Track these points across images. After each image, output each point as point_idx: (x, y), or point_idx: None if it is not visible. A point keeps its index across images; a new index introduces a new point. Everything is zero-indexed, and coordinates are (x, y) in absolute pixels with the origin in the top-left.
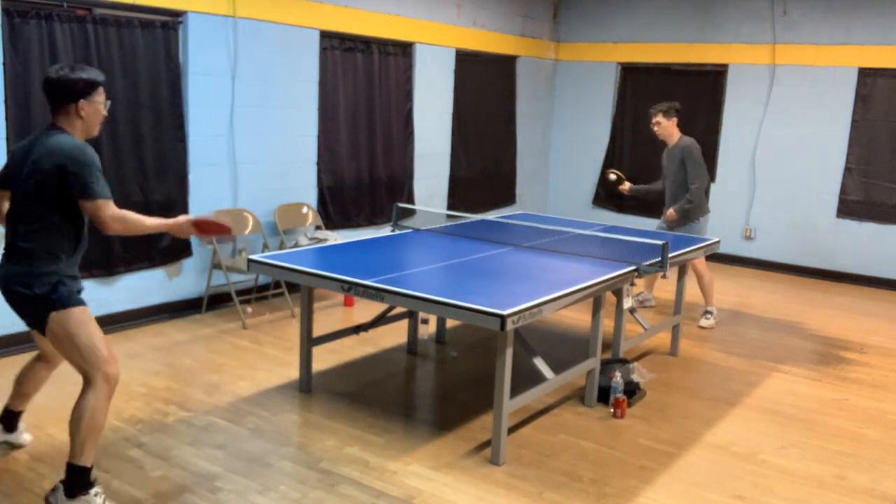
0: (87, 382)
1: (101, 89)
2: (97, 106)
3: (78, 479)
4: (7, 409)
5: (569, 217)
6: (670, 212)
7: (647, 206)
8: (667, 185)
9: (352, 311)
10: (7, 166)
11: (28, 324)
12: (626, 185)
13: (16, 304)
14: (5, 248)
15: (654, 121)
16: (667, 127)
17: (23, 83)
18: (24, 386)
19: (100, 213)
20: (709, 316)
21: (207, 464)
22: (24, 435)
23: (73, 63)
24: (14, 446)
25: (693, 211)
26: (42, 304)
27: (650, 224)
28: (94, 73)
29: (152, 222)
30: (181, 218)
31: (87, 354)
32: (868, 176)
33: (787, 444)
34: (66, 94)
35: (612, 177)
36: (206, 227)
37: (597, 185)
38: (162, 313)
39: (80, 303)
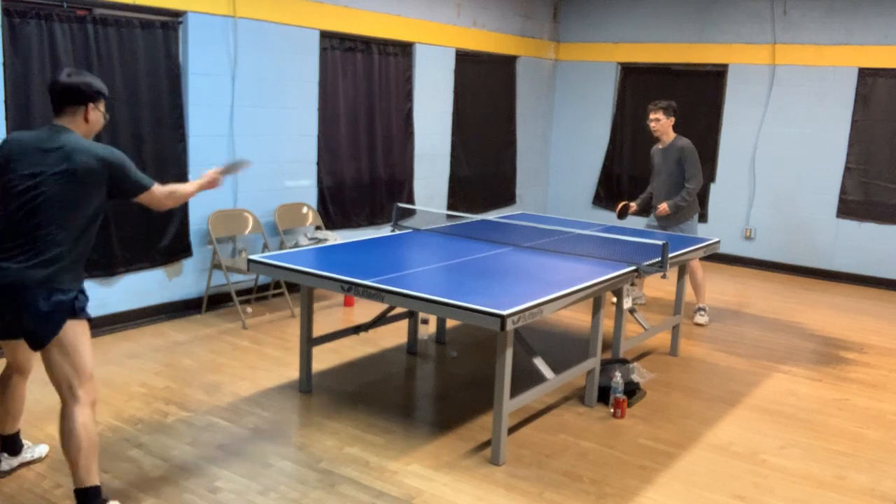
0: (72, 399)
1: (103, 101)
2: (100, 115)
3: (94, 500)
4: (2, 437)
5: (569, 217)
6: (664, 206)
7: (646, 206)
8: (658, 183)
9: (352, 311)
10: (5, 155)
11: (15, 334)
12: (633, 205)
13: (21, 310)
14: (10, 247)
15: (653, 116)
16: (665, 125)
17: (23, 83)
18: (8, 406)
19: (155, 197)
20: (703, 313)
21: (207, 464)
22: (36, 449)
23: (80, 69)
24: (33, 461)
25: (686, 209)
26: (61, 312)
27: None
28: (102, 84)
29: (191, 187)
30: (208, 174)
31: (81, 367)
32: (868, 176)
33: (787, 444)
34: (77, 97)
35: (621, 212)
36: (229, 170)
37: (597, 185)
38: (162, 313)
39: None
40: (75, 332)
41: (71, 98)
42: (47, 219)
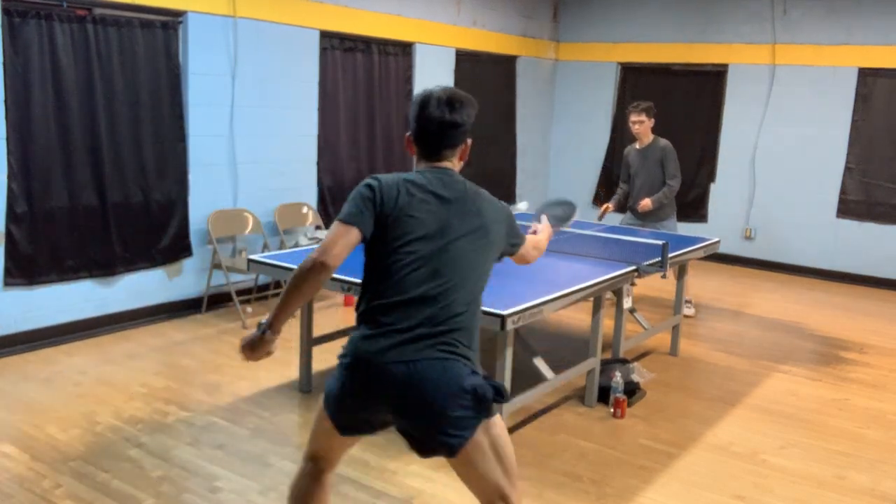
0: None
1: None
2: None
3: None
4: None
5: None
6: (647, 201)
7: (622, 206)
8: (637, 183)
9: (352, 311)
10: (398, 209)
11: (431, 446)
12: (610, 206)
13: (447, 410)
14: (423, 327)
15: (636, 118)
16: (647, 126)
17: (23, 83)
18: None
19: (527, 251)
20: (689, 305)
21: (207, 464)
22: None
23: (442, 88)
24: None
25: (667, 207)
26: (481, 406)
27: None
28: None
29: (544, 240)
30: (546, 228)
31: (511, 468)
32: (868, 176)
33: (787, 444)
34: (462, 135)
35: (602, 215)
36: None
37: (597, 185)
38: (162, 313)
39: None
40: (498, 428)
41: (457, 136)
42: (452, 275)
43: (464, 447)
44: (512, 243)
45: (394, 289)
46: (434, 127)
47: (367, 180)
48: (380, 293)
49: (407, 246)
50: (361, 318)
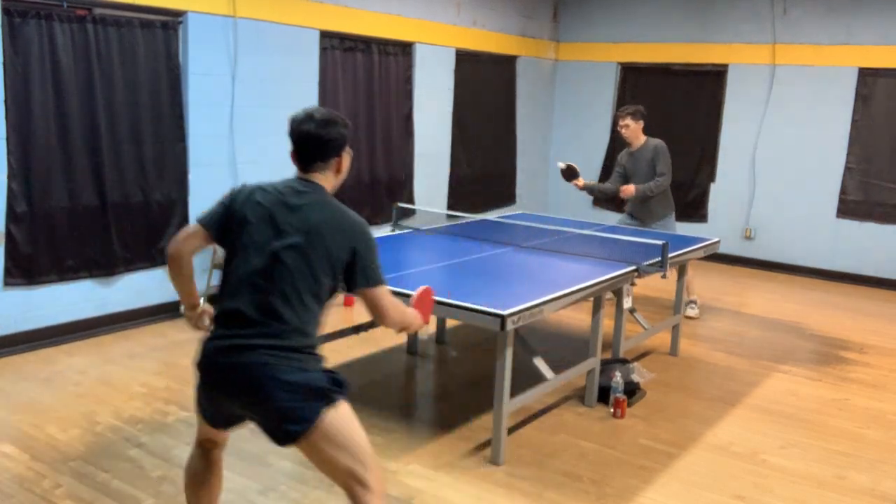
0: (362, 490)
1: None
2: (350, 156)
3: None
4: None
5: (569, 217)
6: (630, 188)
7: (608, 198)
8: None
9: (352, 311)
10: (241, 215)
11: (277, 436)
12: (581, 181)
13: (280, 403)
14: (239, 320)
15: (622, 123)
16: (634, 129)
17: (23, 83)
18: (213, 489)
19: (384, 302)
20: (693, 306)
21: None
22: None
23: (315, 108)
24: None
25: (663, 207)
26: (316, 398)
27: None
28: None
29: (412, 315)
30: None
31: (360, 452)
32: (868, 176)
33: (787, 444)
34: (333, 148)
35: (562, 166)
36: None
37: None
38: (162, 313)
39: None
40: (342, 418)
41: (325, 151)
42: (274, 280)
43: (306, 436)
44: (355, 273)
45: (231, 292)
46: (302, 141)
47: (234, 187)
48: (223, 296)
49: (243, 252)
50: (213, 320)
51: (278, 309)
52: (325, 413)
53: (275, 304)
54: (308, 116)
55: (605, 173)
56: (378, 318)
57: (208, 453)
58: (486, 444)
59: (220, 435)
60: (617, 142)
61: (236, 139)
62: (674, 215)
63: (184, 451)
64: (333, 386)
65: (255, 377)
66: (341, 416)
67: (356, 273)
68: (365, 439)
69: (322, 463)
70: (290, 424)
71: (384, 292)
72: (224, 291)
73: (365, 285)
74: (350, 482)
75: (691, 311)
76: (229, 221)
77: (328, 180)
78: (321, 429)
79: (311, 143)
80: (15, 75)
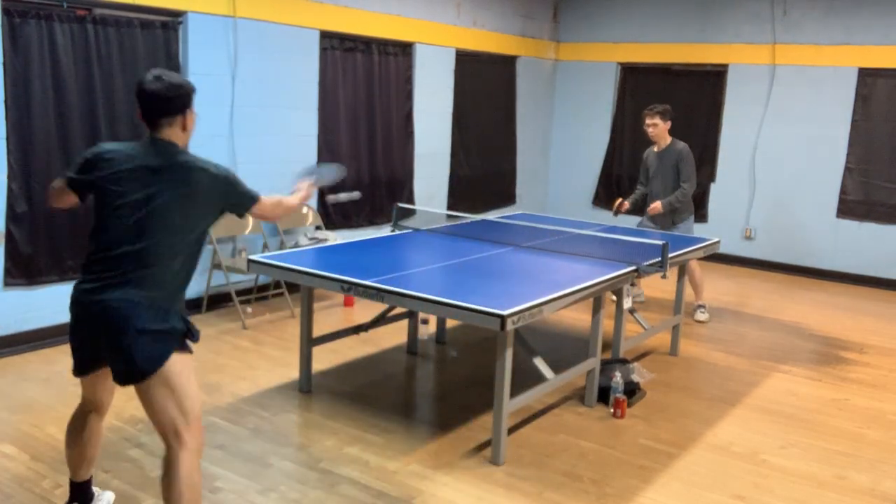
0: (178, 442)
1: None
2: (194, 115)
3: None
4: (75, 484)
5: (569, 217)
6: (657, 204)
7: (638, 206)
8: (655, 186)
9: (352, 311)
10: (98, 169)
11: (121, 372)
12: (626, 204)
13: (123, 340)
14: (106, 269)
15: (650, 122)
16: (662, 129)
17: (23, 83)
18: (84, 449)
19: (265, 211)
20: (703, 310)
21: (207, 464)
22: (104, 495)
23: (160, 70)
24: None
25: (681, 210)
26: (169, 342)
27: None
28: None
29: (294, 200)
30: (304, 188)
31: (188, 408)
32: (868, 176)
33: (787, 444)
34: (176, 105)
35: (617, 209)
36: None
37: (596, 185)
38: None
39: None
40: (181, 364)
41: (169, 107)
42: (142, 236)
43: (148, 378)
44: (234, 203)
45: (104, 245)
46: (145, 98)
47: (93, 147)
48: (94, 248)
49: (117, 210)
50: (81, 268)
51: (151, 259)
52: (171, 360)
53: (149, 254)
54: (154, 77)
55: (605, 174)
56: (267, 220)
57: (88, 414)
58: (486, 444)
59: (98, 391)
60: (617, 142)
61: (236, 139)
62: (693, 217)
63: None
64: (188, 333)
65: (118, 317)
66: (183, 368)
67: (235, 206)
68: (197, 396)
69: (151, 407)
70: (138, 364)
71: (261, 202)
72: (95, 245)
73: (248, 210)
74: (169, 433)
75: (701, 316)
76: (95, 182)
77: (178, 136)
78: (162, 375)
79: (154, 100)
80: (15, 75)
